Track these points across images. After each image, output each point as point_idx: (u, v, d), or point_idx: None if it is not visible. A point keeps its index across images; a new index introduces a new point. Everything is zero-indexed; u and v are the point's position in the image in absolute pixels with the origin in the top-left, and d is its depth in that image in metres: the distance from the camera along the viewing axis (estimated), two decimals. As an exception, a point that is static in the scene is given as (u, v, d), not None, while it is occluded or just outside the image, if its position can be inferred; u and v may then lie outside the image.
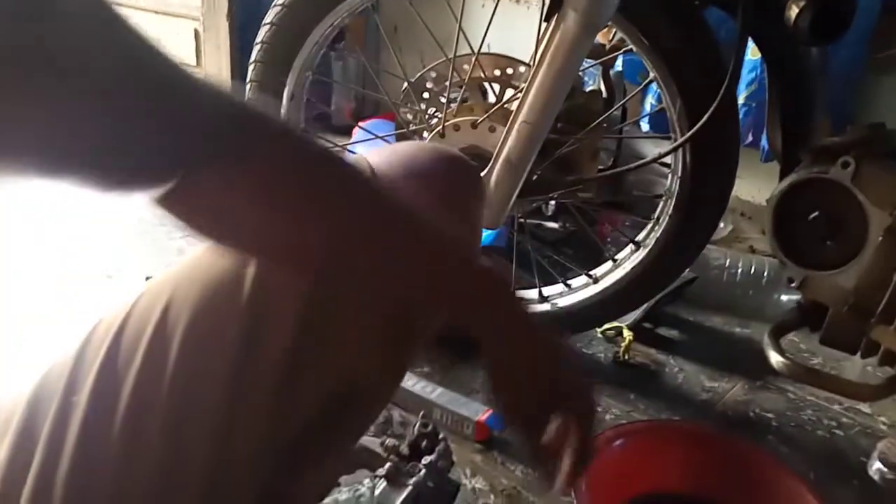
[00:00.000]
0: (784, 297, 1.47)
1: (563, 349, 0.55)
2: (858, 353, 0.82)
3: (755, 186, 1.84)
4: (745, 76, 1.67)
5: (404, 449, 1.00)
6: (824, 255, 0.83)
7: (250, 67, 1.30)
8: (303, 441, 0.53)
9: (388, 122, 1.87)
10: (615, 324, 1.41)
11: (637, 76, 1.60)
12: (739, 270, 1.58)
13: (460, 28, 1.19)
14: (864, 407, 1.29)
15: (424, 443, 1.00)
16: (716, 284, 1.57)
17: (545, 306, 1.35)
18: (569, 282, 1.35)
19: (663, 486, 1.03)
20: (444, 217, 0.55)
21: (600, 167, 1.57)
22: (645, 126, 1.82)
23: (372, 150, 0.62)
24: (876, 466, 0.68)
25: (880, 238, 0.76)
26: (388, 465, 0.93)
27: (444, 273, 0.49)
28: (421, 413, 1.06)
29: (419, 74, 1.31)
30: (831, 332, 0.83)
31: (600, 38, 1.38)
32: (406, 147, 0.62)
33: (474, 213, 0.63)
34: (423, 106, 1.33)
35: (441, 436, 1.04)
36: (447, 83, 1.25)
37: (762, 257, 1.60)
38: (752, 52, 1.49)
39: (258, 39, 1.27)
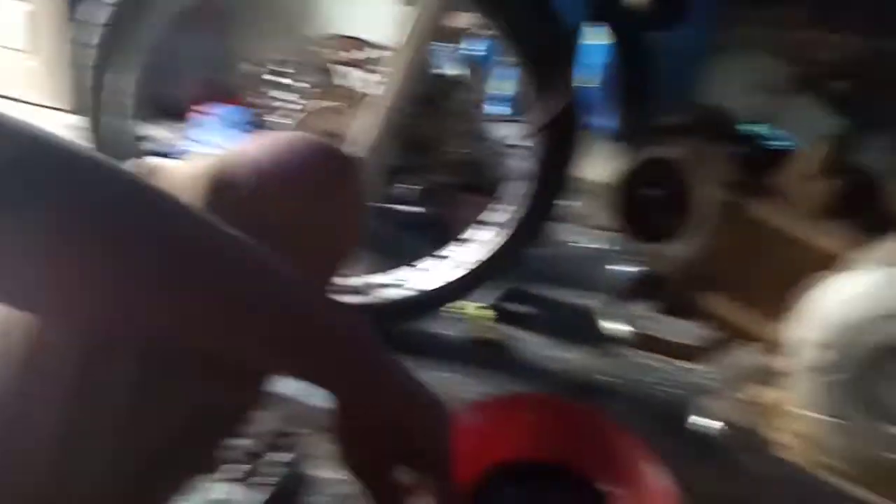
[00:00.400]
0: (621, 268, 1.56)
1: (422, 405, 0.51)
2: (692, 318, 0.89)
3: (597, 164, 1.94)
4: (591, 58, 1.75)
5: (258, 449, 0.96)
6: (662, 230, 0.89)
7: (90, 52, 1.17)
8: (156, 472, 0.51)
9: (242, 109, 1.78)
10: (471, 303, 1.43)
11: (491, 58, 1.63)
12: (584, 246, 1.67)
13: (315, 12, 1.15)
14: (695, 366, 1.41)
15: (279, 440, 0.97)
16: (563, 260, 1.65)
17: (400, 290, 1.34)
18: (425, 264, 1.36)
19: (516, 454, 1.06)
20: (324, 212, 0.54)
21: (457, 150, 1.59)
22: (500, 108, 1.86)
23: (236, 143, 0.58)
24: (702, 422, 0.75)
25: (711, 213, 0.83)
26: (243, 467, 0.90)
27: (282, 332, 0.44)
28: (274, 410, 1.02)
29: (272, 58, 1.25)
30: (666, 299, 0.89)
31: (456, 21, 1.39)
32: (276, 140, 0.58)
33: (354, 203, 0.61)
34: (278, 91, 1.28)
35: (293, 430, 1.01)
36: (303, 68, 1.21)
37: (602, 231, 1.69)
38: (597, 36, 1.56)
39: (99, 21, 1.15)
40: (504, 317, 1.48)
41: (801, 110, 0.81)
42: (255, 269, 0.44)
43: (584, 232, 1.70)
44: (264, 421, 1.00)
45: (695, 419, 0.76)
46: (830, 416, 0.71)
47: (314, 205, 0.56)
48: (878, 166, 0.76)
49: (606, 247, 1.62)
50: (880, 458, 0.69)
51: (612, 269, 1.64)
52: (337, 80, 1.28)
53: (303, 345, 0.45)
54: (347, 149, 0.87)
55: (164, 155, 1.03)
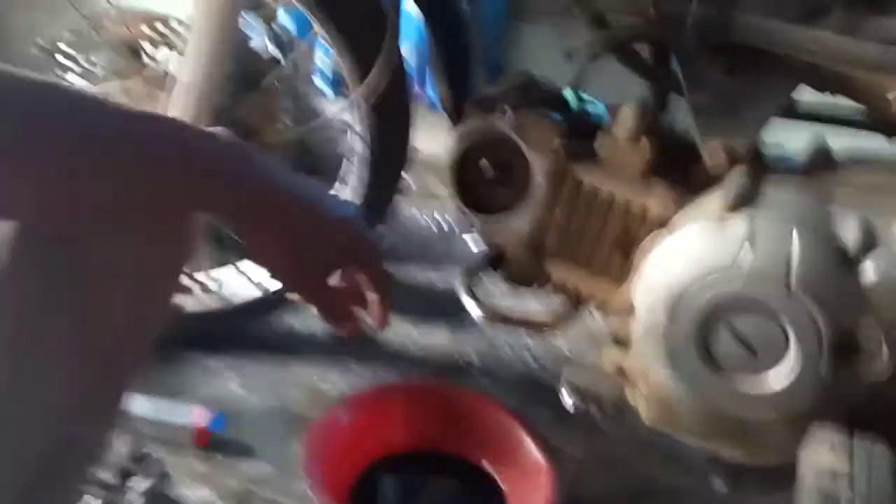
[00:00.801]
0: (472, 241, 1.56)
1: (329, 207, 0.52)
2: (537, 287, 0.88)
3: (429, 135, 1.92)
4: (406, 29, 1.70)
5: (111, 478, 0.88)
6: (498, 201, 0.87)
7: None
8: None
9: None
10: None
11: (308, 31, 1.54)
12: (427, 219, 1.65)
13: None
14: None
15: (132, 465, 0.88)
16: (409, 236, 1.62)
17: (249, 285, 1.25)
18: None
19: (392, 447, 1.04)
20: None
21: (285, 132, 1.50)
22: (320, 82, 1.78)
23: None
24: (567, 399, 0.75)
25: (541, 180, 0.81)
26: (96, 500, 0.84)
27: (169, 171, 0.44)
28: (123, 434, 0.92)
29: (52, 36, 1.09)
30: (512, 271, 0.88)
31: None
32: None
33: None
34: (62, 73, 1.13)
35: (147, 452, 0.92)
36: (96, 47, 1.07)
37: (445, 202, 1.68)
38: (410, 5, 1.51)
39: None
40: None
41: (610, 76, 0.81)
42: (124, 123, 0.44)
43: (428, 206, 1.67)
44: (117, 445, 0.91)
45: (561, 391, 0.76)
46: (671, 375, 0.72)
47: None
48: (688, 128, 0.78)
49: (452, 220, 1.61)
50: (723, 412, 0.71)
51: (464, 243, 1.63)
52: (135, 59, 1.14)
53: (192, 176, 0.45)
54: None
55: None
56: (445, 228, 1.65)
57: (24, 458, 0.48)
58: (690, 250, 0.68)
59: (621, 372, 0.81)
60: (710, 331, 0.70)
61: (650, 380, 0.76)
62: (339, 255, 0.53)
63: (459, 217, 1.57)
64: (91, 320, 0.49)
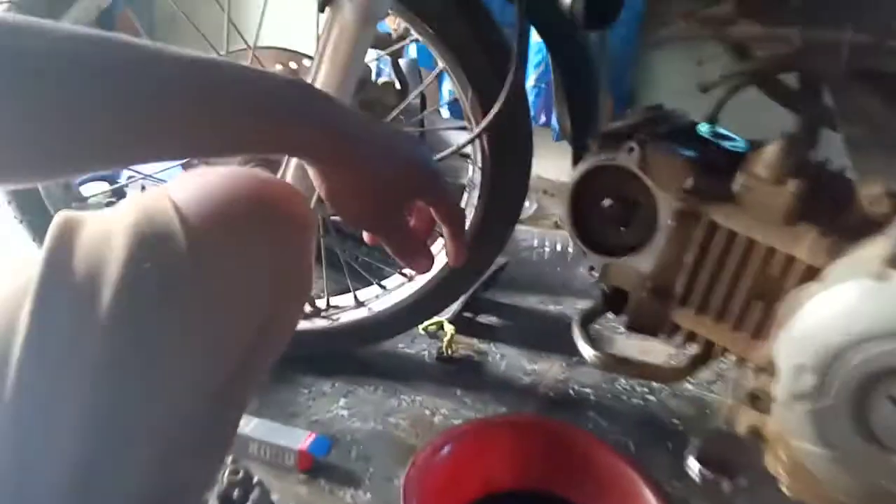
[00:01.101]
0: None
1: (398, 145, 0.51)
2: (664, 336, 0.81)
3: (553, 164, 1.87)
4: (533, 58, 1.67)
5: (213, 500, 0.87)
6: (620, 242, 0.81)
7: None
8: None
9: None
10: (435, 319, 1.35)
11: (432, 62, 1.54)
12: (546, 248, 1.60)
13: (229, 20, 1.05)
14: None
15: (237, 492, 0.88)
16: (527, 264, 1.57)
17: (362, 311, 1.25)
18: (383, 283, 1.27)
19: (496, 485, 1.00)
20: (273, 262, 0.51)
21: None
22: (447, 113, 1.78)
23: (173, 181, 0.51)
24: (696, 468, 0.67)
25: (670, 221, 0.74)
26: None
27: (241, 115, 0.44)
28: (230, 458, 0.93)
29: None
30: (634, 317, 0.81)
31: (388, 26, 1.30)
32: (216, 177, 0.51)
33: (306, 248, 0.55)
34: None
35: (255, 479, 0.92)
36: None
37: (566, 232, 1.62)
38: (538, 35, 1.48)
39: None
40: (471, 330, 1.40)
41: (750, 108, 0.73)
42: (191, 68, 0.43)
43: (549, 234, 1.62)
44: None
45: (693, 463, 0.68)
46: (820, 446, 0.63)
47: (261, 254, 0.50)
48: (842, 164, 0.68)
49: (568, 246, 1.55)
50: (882, 489, 0.61)
51: (578, 269, 1.57)
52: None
53: (264, 116, 0.44)
54: (271, 168, 0.78)
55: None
56: (563, 254, 1.59)
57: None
58: (847, 310, 0.59)
59: (758, 435, 0.72)
60: (868, 401, 0.60)
61: (793, 448, 0.67)
62: (409, 191, 0.52)
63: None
64: (211, 343, 0.48)
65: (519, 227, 1.53)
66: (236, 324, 0.50)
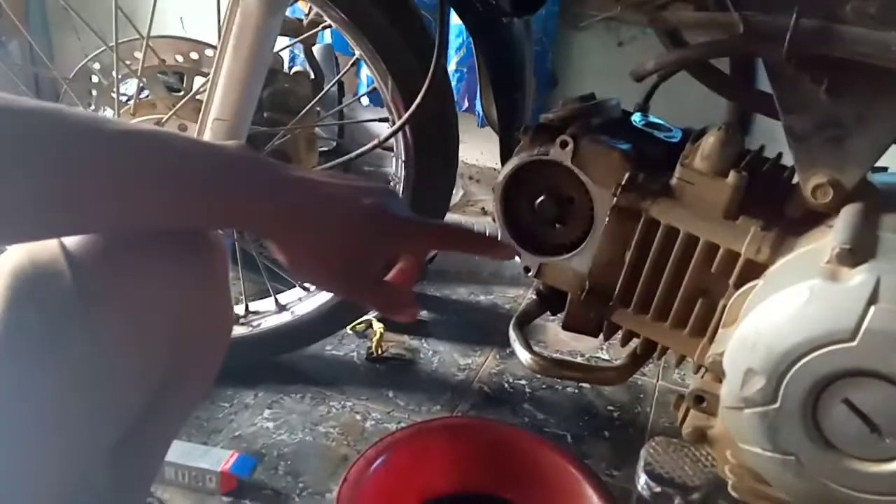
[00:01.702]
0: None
1: (356, 200, 0.46)
2: (601, 336, 0.75)
3: (478, 149, 1.80)
4: (453, 41, 1.59)
5: None
6: (556, 240, 0.75)
7: None
8: None
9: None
10: (364, 317, 1.26)
11: (349, 48, 1.44)
12: (475, 236, 1.53)
13: (117, 6, 0.92)
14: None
15: None
16: (455, 254, 1.50)
17: (285, 316, 1.15)
18: (306, 284, 1.17)
19: (435, 491, 0.94)
20: (181, 298, 0.45)
21: (322, 149, 1.40)
22: (367, 101, 1.68)
23: None
24: (643, 480, 0.62)
25: (607, 218, 0.68)
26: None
27: (178, 187, 0.40)
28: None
29: (78, 67, 1.01)
30: (572, 318, 0.76)
31: (300, 10, 1.19)
32: None
33: (220, 277, 0.49)
34: (92, 105, 1.04)
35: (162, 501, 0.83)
36: (115, 75, 0.97)
37: (492, 218, 1.56)
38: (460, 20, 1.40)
39: None
40: (401, 326, 1.32)
41: (683, 96, 0.67)
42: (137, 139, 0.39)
43: (473, 222, 1.55)
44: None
45: (642, 477, 0.63)
46: (769, 449, 0.58)
47: (166, 287, 0.45)
48: (781, 156, 0.64)
49: (497, 233, 1.49)
50: (831, 490, 0.57)
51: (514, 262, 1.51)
52: (166, 89, 1.05)
53: (210, 193, 0.41)
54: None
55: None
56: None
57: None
58: (799, 313, 0.54)
59: (703, 437, 0.68)
60: (820, 404, 0.56)
61: (741, 451, 0.62)
62: (378, 246, 0.48)
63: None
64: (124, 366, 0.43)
65: (447, 216, 1.46)
66: (139, 367, 0.44)
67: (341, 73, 1.17)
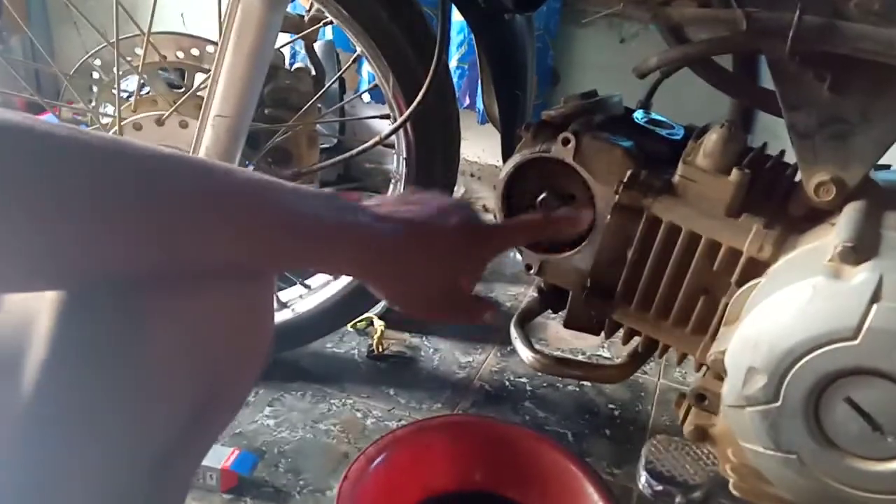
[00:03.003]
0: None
1: (438, 219, 0.48)
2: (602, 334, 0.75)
3: (479, 146, 1.80)
4: (455, 37, 1.59)
5: None
6: (557, 238, 0.74)
7: None
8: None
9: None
10: (365, 315, 1.26)
11: (350, 44, 1.43)
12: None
13: (118, 2, 0.92)
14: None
15: None
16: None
17: (286, 313, 1.16)
18: (307, 281, 1.17)
19: (435, 489, 0.94)
20: (224, 320, 0.44)
21: (323, 146, 1.40)
22: (368, 97, 1.67)
23: None
24: (644, 478, 0.62)
25: (609, 216, 0.68)
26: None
27: (283, 244, 0.41)
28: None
29: (78, 63, 1.01)
30: (573, 316, 0.76)
31: (301, 6, 1.19)
32: None
33: (264, 303, 0.48)
34: (92, 101, 1.04)
35: None
36: (115, 72, 0.97)
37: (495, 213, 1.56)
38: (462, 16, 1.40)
39: None
40: (402, 324, 1.32)
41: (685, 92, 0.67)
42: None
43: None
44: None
45: (643, 475, 0.63)
46: (771, 447, 0.58)
47: (208, 310, 0.44)
48: (783, 153, 0.64)
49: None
50: (833, 489, 0.57)
51: (508, 254, 1.51)
52: (167, 86, 1.05)
53: (301, 239, 0.42)
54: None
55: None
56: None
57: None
58: (801, 311, 0.54)
59: (704, 435, 0.68)
60: (822, 403, 0.56)
61: (742, 449, 0.62)
62: (479, 262, 0.50)
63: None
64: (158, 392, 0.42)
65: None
66: (185, 384, 0.43)
67: (342, 69, 1.16)
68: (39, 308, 0.38)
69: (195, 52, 1.02)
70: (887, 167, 0.70)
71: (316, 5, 1.00)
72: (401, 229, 0.46)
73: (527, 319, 0.80)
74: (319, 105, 1.12)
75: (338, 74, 1.21)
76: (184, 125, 0.96)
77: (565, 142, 0.69)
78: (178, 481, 0.47)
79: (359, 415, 1.10)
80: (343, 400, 1.13)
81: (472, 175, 1.85)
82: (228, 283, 0.43)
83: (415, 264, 0.47)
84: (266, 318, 0.47)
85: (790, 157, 0.68)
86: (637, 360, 0.75)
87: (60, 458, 0.38)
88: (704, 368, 0.68)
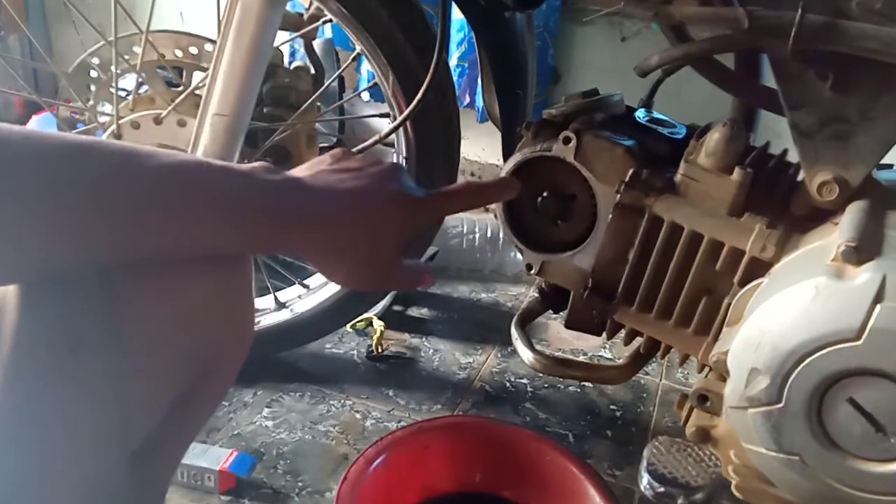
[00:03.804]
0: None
1: (368, 190, 0.47)
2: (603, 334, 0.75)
3: (480, 145, 1.80)
4: (454, 36, 1.59)
5: None
6: (558, 238, 0.75)
7: None
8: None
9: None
10: (364, 315, 1.26)
11: (349, 42, 1.43)
12: (477, 234, 1.53)
13: (117, 2, 0.92)
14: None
15: None
16: (457, 253, 1.50)
17: (284, 314, 1.15)
18: (306, 281, 1.17)
19: (435, 490, 0.94)
20: (205, 302, 0.44)
21: (322, 145, 1.40)
22: (368, 96, 1.68)
23: None
24: (646, 479, 0.62)
25: (610, 215, 0.68)
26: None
27: (203, 212, 0.40)
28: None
29: (76, 62, 1.00)
30: (574, 316, 0.75)
31: (300, 4, 1.19)
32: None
33: (243, 285, 0.48)
34: (90, 100, 1.04)
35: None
36: (114, 70, 0.97)
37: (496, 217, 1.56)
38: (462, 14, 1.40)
39: None
40: (402, 324, 1.32)
41: (687, 91, 0.67)
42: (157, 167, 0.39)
43: (475, 220, 1.55)
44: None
45: (645, 477, 0.63)
46: (773, 449, 0.58)
47: (189, 293, 0.44)
48: (785, 152, 0.63)
49: (499, 232, 1.49)
50: (836, 491, 0.57)
51: (509, 254, 1.51)
52: (165, 84, 1.05)
53: (240, 218, 0.42)
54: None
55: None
56: (493, 240, 1.53)
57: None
58: (804, 312, 0.54)
59: (706, 437, 0.68)
60: (825, 404, 0.56)
61: (745, 450, 0.62)
62: (410, 230, 0.49)
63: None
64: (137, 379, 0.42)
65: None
66: (163, 374, 0.43)
67: (342, 68, 1.16)
68: (8, 297, 0.38)
69: (194, 50, 1.02)
70: (890, 166, 0.70)
71: (315, 3, 1.00)
72: (337, 203, 0.46)
73: (528, 320, 0.80)
74: (319, 103, 1.12)
75: (337, 73, 1.20)
76: (182, 124, 0.96)
77: (566, 141, 0.69)
78: (161, 471, 0.47)
79: (358, 416, 1.10)
80: (342, 401, 1.13)
81: (472, 174, 1.85)
82: (207, 267, 0.43)
83: (349, 239, 0.46)
84: (246, 303, 0.47)
85: (793, 157, 0.68)
86: (639, 360, 0.75)
87: (37, 447, 0.38)
88: (707, 369, 0.68)
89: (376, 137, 0.95)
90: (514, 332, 0.78)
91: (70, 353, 0.38)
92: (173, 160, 0.40)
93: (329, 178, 0.47)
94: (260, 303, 1.17)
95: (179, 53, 1.02)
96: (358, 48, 0.96)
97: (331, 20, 0.98)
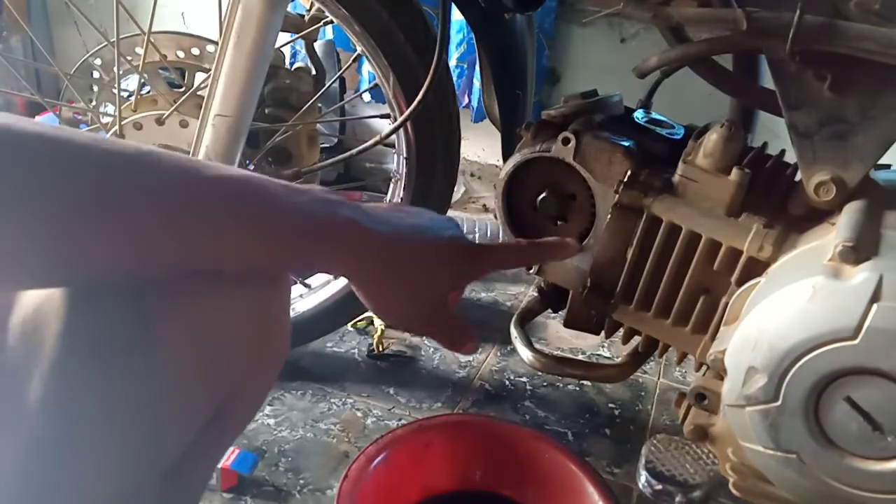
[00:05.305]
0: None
1: (428, 235, 0.47)
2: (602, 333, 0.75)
3: (480, 146, 1.80)
4: (454, 36, 1.59)
5: None
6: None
7: None
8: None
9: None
10: (365, 314, 1.26)
11: (350, 43, 1.43)
12: (476, 233, 1.53)
13: (119, 3, 0.92)
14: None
15: None
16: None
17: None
18: (307, 281, 1.17)
19: (436, 488, 0.94)
20: (241, 322, 0.43)
21: (323, 146, 1.40)
22: (368, 97, 1.68)
23: None
24: (644, 477, 0.62)
25: (609, 216, 0.68)
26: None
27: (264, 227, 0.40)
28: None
29: (79, 63, 1.00)
30: (573, 315, 0.76)
31: (301, 5, 1.18)
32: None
33: (281, 306, 0.47)
34: (93, 101, 1.04)
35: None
36: (116, 71, 0.97)
37: (495, 216, 1.56)
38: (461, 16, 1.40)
39: None
40: (402, 323, 1.32)
41: (686, 92, 0.67)
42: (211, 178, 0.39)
43: (474, 219, 1.55)
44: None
45: (643, 475, 0.63)
46: (771, 447, 0.58)
47: (225, 312, 0.43)
48: (783, 151, 0.63)
49: (499, 230, 1.49)
50: (833, 489, 0.57)
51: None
52: (167, 85, 1.05)
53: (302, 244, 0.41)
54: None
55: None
56: (493, 238, 1.53)
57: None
58: (801, 311, 0.54)
59: (704, 435, 0.68)
60: (822, 403, 0.56)
61: (742, 448, 0.62)
62: (463, 280, 0.50)
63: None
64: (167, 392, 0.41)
65: (447, 213, 1.46)
66: (198, 390, 0.42)
67: (343, 69, 1.16)
68: (49, 311, 0.37)
69: (195, 51, 1.02)
70: (887, 167, 0.70)
71: (316, 5, 1.00)
72: (393, 231, 0.45)
73: (527, 319, 0.80)
74: (320, 104, 1.12)
75: (338, 74, 1.20)
76: (184, 124, 0.96)
77: (565, 141, 0.69)
78: (192, 487, 0.46)
79: (359, 414, 1.10)
80: (343, 399, 1.13)
81: (472, 174, 1.85)
82: (241, 286, 0.42)
83: (404, 271, 0.46)
84: (282, 323, 0.46)
85: (790, 157, 0.68)
86: (637, 359, 0.75)
87: (71, 461, 0.38)
88: (704, 368, 0.68)
89: (377, 138, 0.95)
90: (513, 330, 0.78)
91: (106, 365, 0.38)
92: (239, 174, 0.40)
93: (391, 213, 0.47)
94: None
95: (181, 54, 1.02)
96: (359, 49, 0.96)
97: (332, 21, 0.98)
